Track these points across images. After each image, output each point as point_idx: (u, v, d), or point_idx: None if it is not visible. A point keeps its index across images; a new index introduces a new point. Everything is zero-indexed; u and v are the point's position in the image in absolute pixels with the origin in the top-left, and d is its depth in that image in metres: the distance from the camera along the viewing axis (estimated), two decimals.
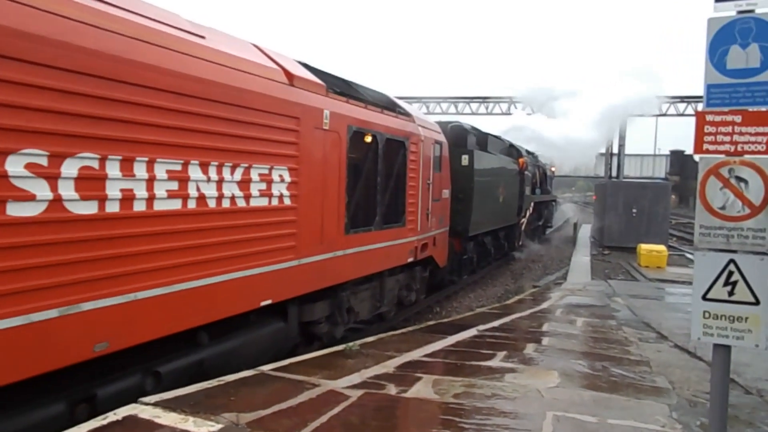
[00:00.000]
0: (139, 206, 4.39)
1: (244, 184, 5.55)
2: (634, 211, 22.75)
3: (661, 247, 18.65)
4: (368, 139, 8.34)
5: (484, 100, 45.40)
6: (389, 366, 5.92)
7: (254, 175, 5.69)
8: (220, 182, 5.22)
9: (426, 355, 6.58)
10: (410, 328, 8.96)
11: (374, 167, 8.61)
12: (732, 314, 3.62)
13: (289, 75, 6.37)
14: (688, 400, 5.26)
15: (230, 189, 5.36)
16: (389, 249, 9.14)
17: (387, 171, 9.01)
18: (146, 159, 4.43)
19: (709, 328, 3.67)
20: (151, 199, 4.48)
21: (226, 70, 5.30)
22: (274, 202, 6.04)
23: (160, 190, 4.57)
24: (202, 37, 5.23)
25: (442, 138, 11.87)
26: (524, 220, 21.77)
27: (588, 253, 22.02)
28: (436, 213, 11.40)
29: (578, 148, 33.02)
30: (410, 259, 10.16)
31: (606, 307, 11.04)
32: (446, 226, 12.41)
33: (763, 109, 3.54)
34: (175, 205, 4.75)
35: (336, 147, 7.26)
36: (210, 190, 5.10)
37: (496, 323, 8.93)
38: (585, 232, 30.25)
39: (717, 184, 3.67)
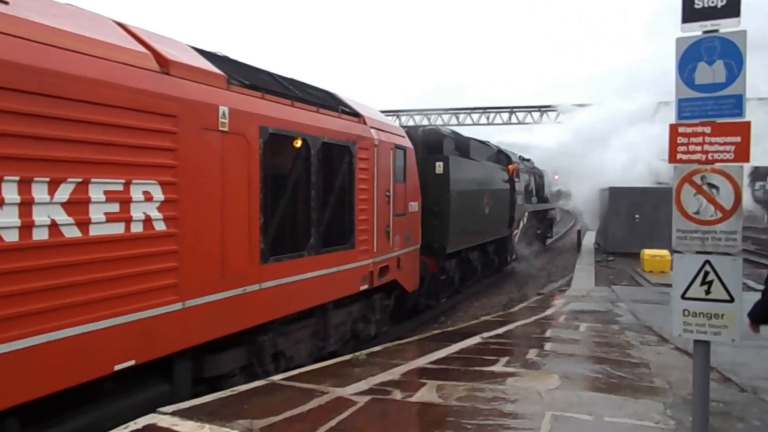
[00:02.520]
0: None
1: (77, 206, 4.15)
2: (637, 216, 22.90)
3: (665, 252, 18.71)
4: (296, 143, 6.88)
5: (484, 110, 45.95)
6: (395, 373, 6.15)
7: (95, 193, 4.28)
8: (26, 205, 3.82)
9: (430, 363, 6.80)
10: (416, 338, 9.18)
11: (306, 179, 7.08)
12: (709, 311, 3.85)
13: (162, 60, 5.02)
14: (684, 398, 5.43)
15: (48, 214, 3.96)
16: (332, 277, 7.57)
17: (325, 183, 7.48)
18: None
19: (689, 325, 3.90)
20: None
21: (40, 49, 3.92)
22: (137, 228, 4.62)
23: None
24: (5, 2, 3.91)
25: (406, 143, 10.32)
26: (517, 232, 20.32)
27: (592, 260, 22.14)
28: (400, 230, 9.86)
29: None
30: (364, 287, 8.55)
31: (609, 312, 11.19)
32: (416, 243, 10.89)
33: (730, 120, 3.81)
34: None
35: (242, 154, 5.82)
36: (6, 218, 3.71)
37: (500, 330, 9.12)
38: (589, 239, 30.38)
39: (691, 190, 3.92)
